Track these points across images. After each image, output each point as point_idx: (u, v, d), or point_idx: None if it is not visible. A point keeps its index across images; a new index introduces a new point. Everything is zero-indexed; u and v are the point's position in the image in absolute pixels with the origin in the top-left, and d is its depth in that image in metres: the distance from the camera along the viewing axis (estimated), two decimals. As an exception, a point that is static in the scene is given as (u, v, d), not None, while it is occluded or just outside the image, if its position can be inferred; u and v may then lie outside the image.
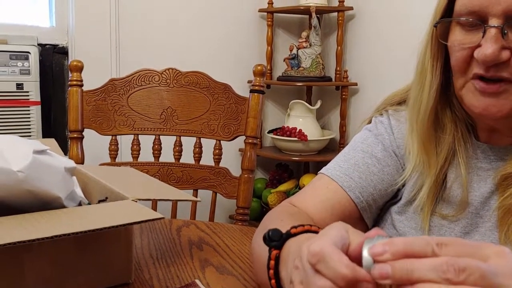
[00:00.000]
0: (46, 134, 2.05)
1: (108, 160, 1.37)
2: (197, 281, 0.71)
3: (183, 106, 1.37)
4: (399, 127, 0.81)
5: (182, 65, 1.47)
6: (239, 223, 1.30)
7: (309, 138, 2.30)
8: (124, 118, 1.36)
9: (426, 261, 0.39)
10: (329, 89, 2.57)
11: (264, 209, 2.42)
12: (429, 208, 0.76)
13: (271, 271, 0.55)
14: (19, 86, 1.94)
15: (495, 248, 0.40)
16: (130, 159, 1.39)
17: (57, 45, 2.17)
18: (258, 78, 1.32)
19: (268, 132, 2.49)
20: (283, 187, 2.43)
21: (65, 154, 1.18)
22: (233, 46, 2.48)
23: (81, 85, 1.33)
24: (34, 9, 2.19)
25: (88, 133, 1.35)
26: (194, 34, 2.38)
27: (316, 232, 0.56)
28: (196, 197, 1.32)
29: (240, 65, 2.46)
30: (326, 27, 2.56)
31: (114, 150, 1.37)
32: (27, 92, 1.96)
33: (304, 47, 2.40)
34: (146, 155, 1.41)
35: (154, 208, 1.31)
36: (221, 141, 1.37)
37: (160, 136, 1.39)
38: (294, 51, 2.44)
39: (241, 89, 1.94)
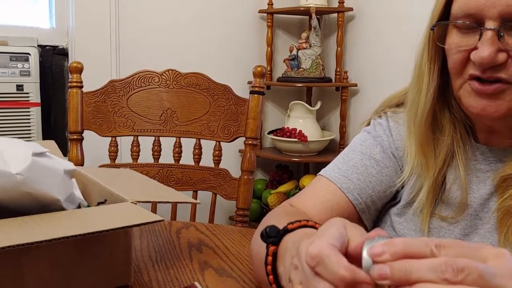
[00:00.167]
0: (46, 135, 2.05)
1: (108, 161, 1.37)
2: (197, 284, 0.71)
3: (182, 107, 1.37)
4: (397, 129, 0.81)
5: (182, 65, 1.47)
6: (239, 225, 1.30)
7: (309, 139, 2.30)
8: (124, 119, 1.36)
9: (425, 262, 0.39)
10: (329, 90, 2.57)
11: (264, 210, 2.42)
12: (429, 210, 0.76)
13: (269, 267, 0.55)
14: (19, 87, 1.94)
15: (493, 250, 0.40)
16: (130, 161, 1.39)
17: (57, 46, 2.18)
18: (258, 79, 1.32)
19: (268, 133, 2.49)
20: (283, 188, 2.43)
21: (65, 155, 1.18)
22: (233, 47, 2.48)
23: (81, 87, 1.33)
24: (34, 10, 2.19)
25: (88, 135, 1.35)
26: (194, 34, 2.39)
27: (312, 227, 0.57)
28: (196, 198, 1.32)
29: (240, 66, 2.46)
30: (326, 28, 2.56)
31: (114, 152, 1.37)
32: (27, 93, 1.96)
33: (304, 48, 2.40)
34: (146, 157, 1.41)
35: (154, 210, 1.31)
36: (221, 142, 1.37)
37: (160, 138, 1.39)
38: (294, 52, 2.44)
39: (241, 90, 1.93)
